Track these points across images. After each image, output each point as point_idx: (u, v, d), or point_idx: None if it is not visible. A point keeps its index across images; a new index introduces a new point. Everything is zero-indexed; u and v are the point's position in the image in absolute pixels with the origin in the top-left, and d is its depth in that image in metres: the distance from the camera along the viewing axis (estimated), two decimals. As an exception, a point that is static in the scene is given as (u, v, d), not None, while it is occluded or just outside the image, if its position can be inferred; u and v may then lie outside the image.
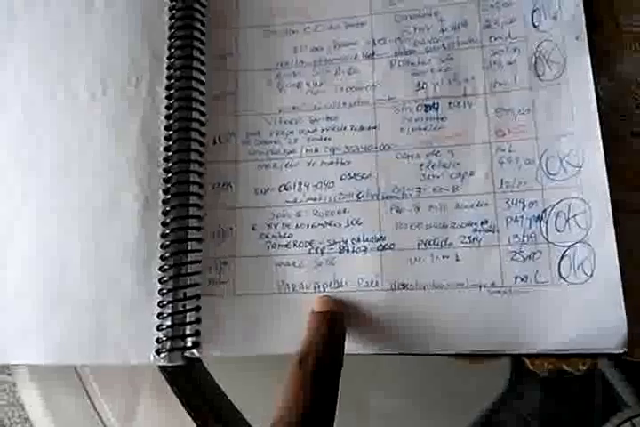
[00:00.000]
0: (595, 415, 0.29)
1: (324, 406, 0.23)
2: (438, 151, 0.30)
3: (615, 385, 0.36)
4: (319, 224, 0.30)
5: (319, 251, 0.30)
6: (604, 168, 0.27)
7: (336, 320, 0.27)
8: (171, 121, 0.32)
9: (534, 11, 0.31)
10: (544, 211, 0.28)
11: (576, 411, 0.29)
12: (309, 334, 0.26)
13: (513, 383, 0.29)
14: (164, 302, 0.30)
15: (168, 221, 0.30)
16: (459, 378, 0.30)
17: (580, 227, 0.27)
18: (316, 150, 0.31)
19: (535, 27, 0.31)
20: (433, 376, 0.30)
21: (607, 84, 0.30)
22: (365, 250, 0.29)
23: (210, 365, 0.32)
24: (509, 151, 0.29)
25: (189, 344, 0.29)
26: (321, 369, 0.24)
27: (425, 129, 0.30)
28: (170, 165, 0.31)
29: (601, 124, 0.27)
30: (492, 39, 0.31)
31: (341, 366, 0.25)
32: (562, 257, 0.27)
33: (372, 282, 0.29)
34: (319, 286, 0.29)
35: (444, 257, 0.28)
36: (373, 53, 0.32)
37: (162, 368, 0.31)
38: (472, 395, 0.30)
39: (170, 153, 0.31)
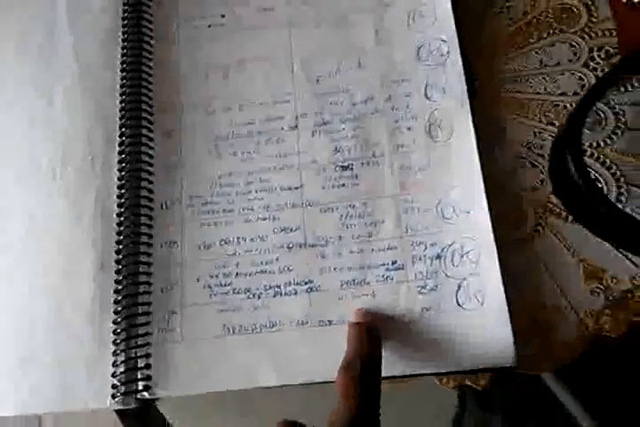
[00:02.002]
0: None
1: (371, 409, 0.26)
2: (354, 204, 0.36)
3: (566, 404, 0.41)
4: (256, 272, 0.35)
5: (256, 296, 0.34)
6: (488, 212, 0.33)
7: (373, 329, 0.30)
8: (122, 191, 0.37)
9: (427, 85, 0.38)
10: (442, 250, 0.33)
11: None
12: (351, 344, 0.29)
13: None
14: (118, 351, 0.33)
15: (120, 278, 0.35)
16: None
17: (471, 262, 0.33)
18: (251, 209, 0.37)
19: (428, 98, 0.38)
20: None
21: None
22: (296, 293, 0.34)
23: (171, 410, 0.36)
24: (412, 202, 0.35)
25: (141, 388, 0.33)
26: (365, 374, 0.27)
27: (343, 186, 0.36)
28: (122, 228, 0.36)
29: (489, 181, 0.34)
30: (394, 109, 0.38)
31: (381, 371, 0.28)
32: (458, 288, 0.32)
33: (302, 321, 0.33)
34: (256, 327, 0.34)
35: (363, 295, 0.33)
36: (297, 125, 0.39)
37: (119, 414, 0.35)
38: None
39: (122, 218, 0.36)
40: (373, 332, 0.30)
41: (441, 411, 0.35)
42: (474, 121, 0.36)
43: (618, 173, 0.35)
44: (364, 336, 0.30)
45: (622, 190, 0.34)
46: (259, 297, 0.34)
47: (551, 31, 0.39)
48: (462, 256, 0.33)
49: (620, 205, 0.34)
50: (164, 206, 0.37)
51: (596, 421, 0.44)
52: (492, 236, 0.32)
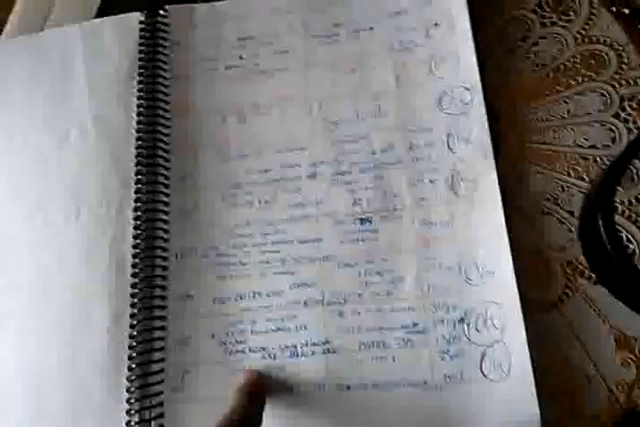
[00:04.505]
0: None
1: None
2: (373, 260, 0.36)
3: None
4: (271, 330, 0.35)
5: (272, 356, 0.35)
6: (513, 273, 0.33)
7: (254, 393, 0.31)
8: (138, 240, 0.37)
9: (449, 135, 0.38)
10: (465, 313, 0.33)
11: None
12: (230, 405, 0.30)
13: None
14: (132, 411, 0.34)
15: (135, 333, 0.35)
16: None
17: (496, 328, 0.32)
18: (268, 262, 0.37)
19: (450, 149, 0.38)
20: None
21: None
22: (313, 354, 0.34)
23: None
24: (434, 259, 0.35)
25: (154, 450, 0.33)
26: None
27: (362, 240, 0.36)
28: (137, 280, 0.36)
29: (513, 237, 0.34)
30: (415, 160, 0.38)
31: None
32: (482, 356, 0.32)
33: (319, 385, 0.33)
34: (276, 392, 0.34)
35: (381, 358, 0.33)
36: (315, 174, 0.39)
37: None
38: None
39: (136, 269, 0.37)
40: (254, 396, 0.31)
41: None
42: (498, 174, 0.36)
43: (651, 233, 0.34)
44: (244, 398, 0.30)
45: (654, 252, 0.34)
46: (274, 357, 0.34)
47: (580, 79, 0.39)
48: (486, 322, 0.33)
49: (651, 268, 0.34)
50: (178, 257, 0.38)
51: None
52: (517, 301, 0.32)
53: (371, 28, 0.42)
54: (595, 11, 0.41)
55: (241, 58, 0.43)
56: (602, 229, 0.28)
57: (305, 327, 0.35)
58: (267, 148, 0.40)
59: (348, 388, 0.33)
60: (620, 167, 0.29)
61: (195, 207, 0.39)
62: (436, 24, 0.41)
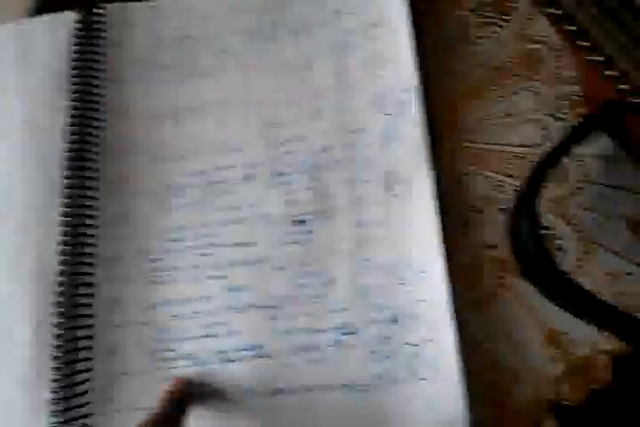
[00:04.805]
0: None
1: None
2: (307, 262, 0.35)
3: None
4: (202, 336, 0.34)
5: (202, 363, 0.34)
6: (444, 272, 0.33)
7: (176, 400, 0.31)
8: (64, 247, 0.36)
9: (386, 136, 0.38)
10: (397, 313, 0.33)
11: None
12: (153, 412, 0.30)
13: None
14: (56, 424, 0.32)
15: (60, 343, 0.34)
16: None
17: (427, 327, 0.32)
18: (199, 266, 0.36)
19: (387, 149, 0.38)
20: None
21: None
22: (244, 359, 0.33)
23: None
24: (367, 260, 0.35)
25: (77, 464, 0.32)
26: None
27: (296, 242, 0.36)
28: (62, 288, 0.35)
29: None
30: (352, 161, 0.38)
31: None
32: (413, 355, 0.32)
33: (250, 390, 0.33)
34: (206, 398, 0.33)
35: (314, 361, 0.33)
36: (250, 176, 0.38)
37: None
38: None
39: (62, 277, 0.36)
40: (176, 403, 0.31)
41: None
42: (433, 174, 0.36)
43: (581, 229, 0.35)
44: (163, 408, 0.30)
45: (585, 248, 0.34)
46: (204, 364, 0.34)
47: (516, 78, 0.39)
48: (418, 321, 0.32)
49: (581, 264, 0.34)
50: (107, 263, 0.37)
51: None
52: (447, 299, 0.32)
53: (311, 29, 0.41)
54: (533, 10, 0.41)
55: (178, 59, 0.42)
56: (524, 225, 0.28)
57: (236, 332, 0.34)
58: (202, 150, 0.39)
59: (280, 392, 0.32)
60: (544, 166, 0.30)
61: (126, 212, 0.38)
62: (375, 25, 0.41)
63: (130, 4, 0.44)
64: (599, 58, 0.30)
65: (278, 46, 0.41)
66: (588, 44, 0.30)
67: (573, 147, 0.34)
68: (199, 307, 0.35)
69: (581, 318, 0.29)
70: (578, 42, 0.31)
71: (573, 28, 0.32)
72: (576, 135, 0.30)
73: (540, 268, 0.27)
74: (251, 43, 0.42)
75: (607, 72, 0.30)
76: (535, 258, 0.27)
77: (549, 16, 0.40)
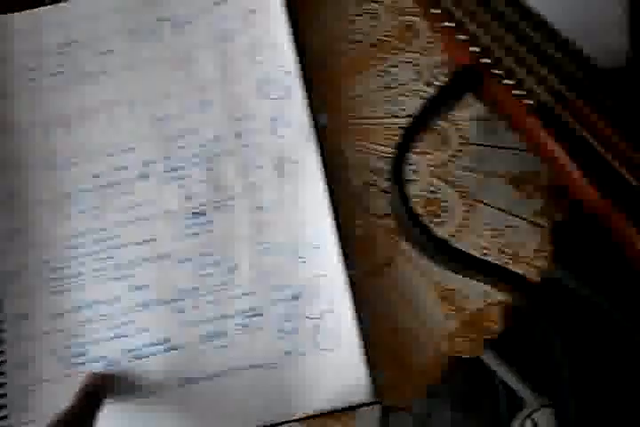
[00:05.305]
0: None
1: None
2: (209, 252, 0.36)
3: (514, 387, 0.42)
4: (112, 338, 0.35)
5: (114, 363, 0.34)
6: (338, 245, 0.34)
7: (88, 394, 0.32)
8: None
9: (273, 120, 0.39)
10: (298, 290, 0.34)
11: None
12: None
13: None
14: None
15: (-33, 361, 0.34)
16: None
17: (326, 299, 0.34)
18: (103, 269, 0.36)
19: (275, 133, 0.39)
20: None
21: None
22: (155, 354, 0.34)
23: None
24: (267, 243, 0.36)
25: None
26: None
27: (196, 234, 0.37)
28: (-35, 307, 0.35)
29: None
30: (244, 147, 0.39)
31: None
32: (316, 328, 0.33)
33: (163, 383, 0.33)
34: (119, 397, 0.34)
35: (222, 347, 0.34)
36: (145, 174, 0.39)
37: None
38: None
39: (-37, 296, 0.35)
40: (88, 397, 0.32)
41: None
42: (323, 152, 0.37)
43: (463, 190, 0.37)
44: (75, 402, 0.31)
45: (468, 207, 0.36)
46: (116, 364, 0.34)
47: (394, 51, 0.41)
48: (318, 295, 0.34)
49: (467, 222, 0.36)
50: (9, 278, 0.37)
51: (536, 392, 0.46)
52: (342, 271, 0.33)
53: (193, 21, 0.42)
54: (404, -17, 0.42)
55: (62, 65, 0.42)
56: (394, 192, 0.29)
57: (145, 330, 0.35)
58: (95, 153, 0.40)
59: (191, 381, 0.33)
60: (409, 133, 0.31)
61: (24, 225, 0.38)
62: (253, 11, 0.41)
63: (8, 15, 0.43)
64: (451, 24, 0.31)
65: (163, 42, 0.42)
66: (439, 11, 0.32)
67: (448, 112, 0.36)
68: (107, 309, 0.35)
69: (464, 275, 0.31)
70: (431, 10, 0.32)
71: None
72: (436, 101, 0.32)
73: (413, 232, 0.28)
74: (135, 41, 0.42)
75: (459, 36, 0.31)
76: (407, 222, 0.29)
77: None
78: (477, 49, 0.31)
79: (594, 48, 0.31)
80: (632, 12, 0.33)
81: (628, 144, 0.29)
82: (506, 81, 0.30)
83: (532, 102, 0.29)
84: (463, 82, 0.32)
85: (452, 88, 0.32)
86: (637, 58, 0.32)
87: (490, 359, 0.49)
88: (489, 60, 0.31)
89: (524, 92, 0.30)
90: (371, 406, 0.31)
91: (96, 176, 0.39)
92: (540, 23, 0.30)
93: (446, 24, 0.32)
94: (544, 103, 0.29)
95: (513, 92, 0.30)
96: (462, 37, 0.32)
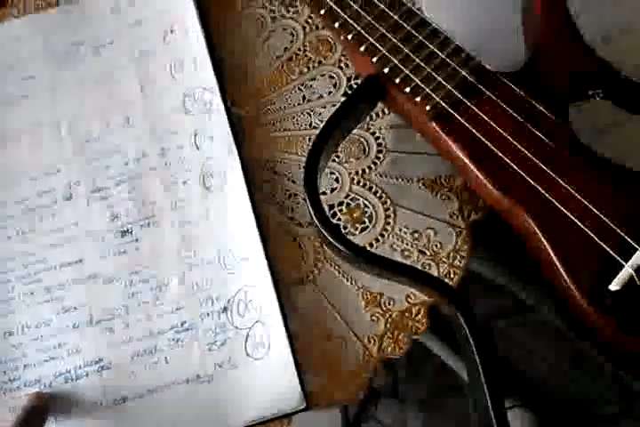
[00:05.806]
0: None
1: None
2: (138, 270, 0.37)
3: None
4: (44, 360, 0.35)
5: (47, 386, 0.34)
6: (264, 256, 0.35)
7: (33, 414, 0.32)
8: None
9: (195, 135, 0.40)
10: (228, 302, 0.35)
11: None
12: None
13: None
14: None
15: None
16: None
17: (255, 309, 0.35)
18: (32, 293, 0.37)
19: (198, 148, 0.40)
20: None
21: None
22: (87, 375, 0.34)
23: None
24: (195, 257, 0.37)
25: None
26: None
27: (124, 252, 0.37)
28: None
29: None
30: (168, 164, 0.39)
31: None
32: (246, 338, 0.34)
33: (97, 403, 0.34)
34: (54, 420, 0.34)
35: (155, 363, 0.34)
36: (71, 195, 0.39)
37: None
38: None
39: None
40: (34, 418, 0.32)
41: None
42: (245, 165, 0.38)
43: (384, 195, 0.38)
44: (17, 421, 0.31)
45: (389, 212, 0.38)
46: (50, 386, 0.34)
47: (311, 65, 0.43)
48: (247, 306, 0.35)
49: (389, 227, 0.38)
50: (-64, 308, 0.36)
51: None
52: (270, 280, 0.35)
53: (112, 42, 0.42)
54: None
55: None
56: (307, 200, 0.31)
57: (77, 351, 0.35)
58: (20, 177, 0.40)
59: (125, 400, 0.34)
60: (319, 142, 0.33)
61: (-52, 252, 0.38)
62: (171, 30, 0.42)
63: None
64: (350, 36, 0.33)
65: (83, 64, 0.42)
66: (340, 23, 0.33)
67: (360, 121, 0.38)
68: (37, 333, 0.36)
69: (386, 278, 0.33)
70: (333, 23, 0.34)
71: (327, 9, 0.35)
72: (342, 111, 0.34)
73: (331, 239, 0.30)
74: (56, 64, 0.42)
75: (360, 48, 0.33)
76: (324, 229, 0.30)
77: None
78: (376, 59, 0.33)
79: (494, 53, 0.34)
80: (524, 17, 0.35)
81: (522, 144, 0.31)
82: (406, 89, 0.32)
83: (430, 109, 0.31)
84: (369, 91, 0.34)
85: (356, 98, 0.34)
86: (533, 61, 0.34)
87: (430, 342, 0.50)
88: (388, 70, 0.32)
89: (424, 99, 0.32)
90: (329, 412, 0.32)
91: (22, 200, 0.39)
92: (434, 31, 0.32)
93: (348, 37, 0.34)
94: (441, 109, 0.31)
95: (414, 99, 0.32)
96: (362, 49, 0.33)
